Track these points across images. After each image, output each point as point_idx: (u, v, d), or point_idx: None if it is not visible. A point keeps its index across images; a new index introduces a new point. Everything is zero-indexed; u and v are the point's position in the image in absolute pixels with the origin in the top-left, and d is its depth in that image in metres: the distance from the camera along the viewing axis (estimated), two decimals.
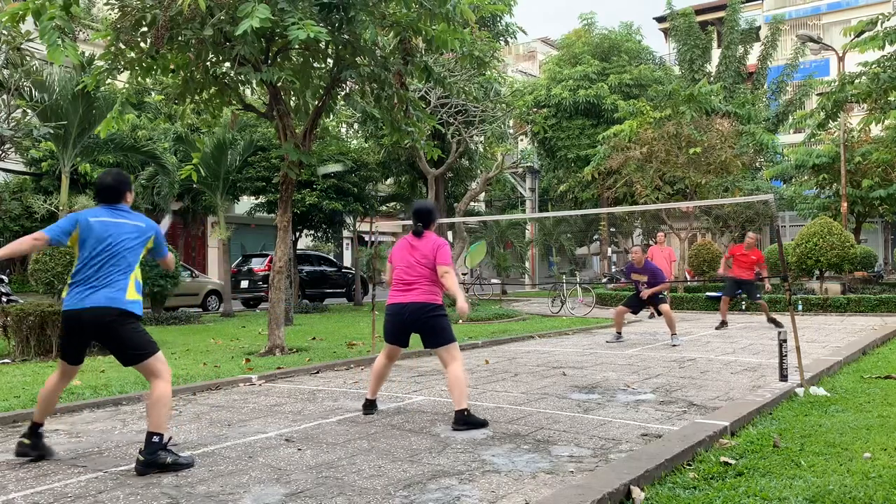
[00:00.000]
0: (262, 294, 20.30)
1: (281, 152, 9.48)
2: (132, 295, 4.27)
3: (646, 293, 10.49)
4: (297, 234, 19.89)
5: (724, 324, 12.85)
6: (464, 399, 5.25)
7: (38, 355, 9.48)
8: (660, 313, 10.69)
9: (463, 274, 27.48)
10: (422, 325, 5.48)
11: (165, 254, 4.70)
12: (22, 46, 10.91)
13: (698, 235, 26.58)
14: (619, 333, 11.07)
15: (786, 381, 6.64)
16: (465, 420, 5.21)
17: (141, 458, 4.10)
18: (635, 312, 11.24)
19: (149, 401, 4.21)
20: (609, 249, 31.16)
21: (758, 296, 12.83)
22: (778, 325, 12.57)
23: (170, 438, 4.25)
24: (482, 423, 5.25)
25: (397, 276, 5.60)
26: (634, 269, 10.74)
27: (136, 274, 4.36)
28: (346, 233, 28.27)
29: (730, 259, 12.97)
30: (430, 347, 5.60)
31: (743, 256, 12.72)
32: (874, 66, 15.92)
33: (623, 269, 11.72)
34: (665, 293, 11.33)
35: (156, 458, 4.09)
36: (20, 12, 7.07)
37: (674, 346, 10.18)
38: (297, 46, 8.30)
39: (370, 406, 5.77)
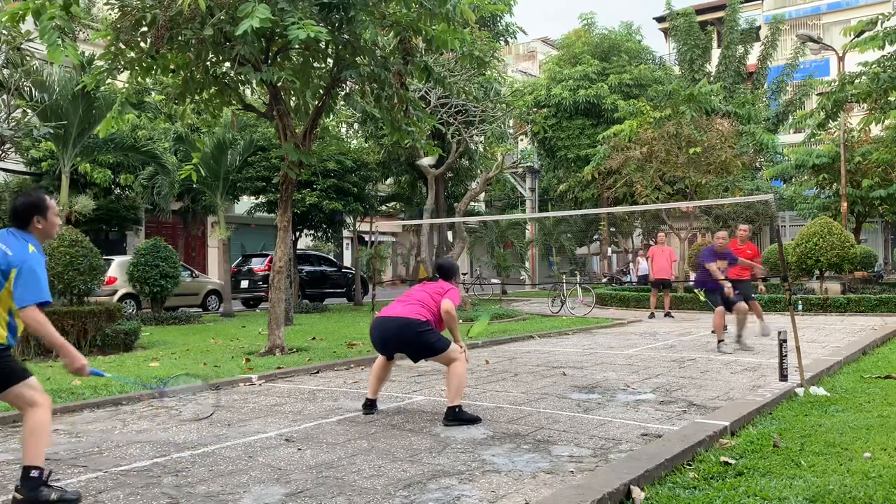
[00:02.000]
0: (262, 294, 20.29)
1: (281, 152, 9.48)
2: None
3: (728, 291, 9.21)
4: (297, 234, 19.88)
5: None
6: (458, 396, 5.28)
7: (37, 355, 9.48)
8: (730, 310, 9.45)
9: (463, 274, 27.46)
10: (408, 342, 5.46)
11: (21, 303, 3.55)
12: (22, 46, 10.91)
13: (698, 235, 26.56)
14: (722, 340, 9.62)
15: (786, 381, 6.64)
16: (457, 416, 5.24)
17: (18, 496, 3.54)
18: (729, 309, 9.59)
19: (24, 428, 3.63)
20: (609, 249, 31.15)
21: (752, 296, 12.13)
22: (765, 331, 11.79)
23: (49, 472, 3.66)
24: (474, 420, 5.28)
25: (398, 299, 5.67)
26: (718, 255, 9.52)
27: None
28: (346, 233, 28.27)
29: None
30: (423, 359, 5.65)
31: (738, 252, 12.28)
32: (874, 66, 15.91)
33: (700, 257, 9.98)
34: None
35: (38, 496, 3.52)
36: (20, 12, 7.07)
37: (726, 353, 9.23)
38: (297, 46, 8.29)
39: (370, 406, 5.79)
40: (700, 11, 31.27)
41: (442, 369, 7.98)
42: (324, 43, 8.34)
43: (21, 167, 20.29)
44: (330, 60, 9.42)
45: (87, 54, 12.59)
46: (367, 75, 9.01)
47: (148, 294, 14.87)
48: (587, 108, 25.70)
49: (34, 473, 3.56)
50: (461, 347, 5.50)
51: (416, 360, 5.69)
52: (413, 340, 5.40)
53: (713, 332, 9.85)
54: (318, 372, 8.11)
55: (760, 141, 22.24)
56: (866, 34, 15.03)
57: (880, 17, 14.92)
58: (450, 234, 23.55)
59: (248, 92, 12.25)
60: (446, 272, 5.83)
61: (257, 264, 21.10)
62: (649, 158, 19.31)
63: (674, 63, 30.76)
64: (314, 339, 11.25)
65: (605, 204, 25.52)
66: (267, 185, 17.80)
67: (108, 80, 9.35)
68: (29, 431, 3.60)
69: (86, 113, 13.16)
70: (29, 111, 12.41)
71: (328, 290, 22.85)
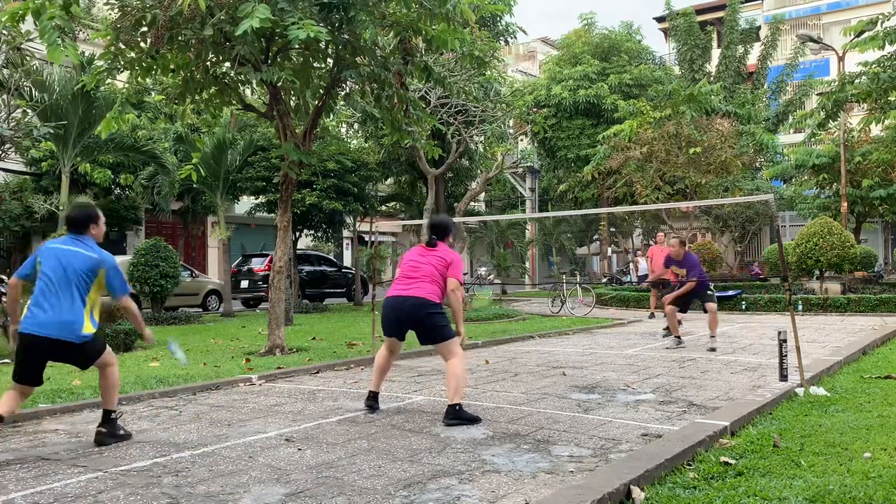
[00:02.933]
0: (262, 294, 20.29)
1: (281, 152, 9.48)
2: (88, 328, 4.64)
3: (666, 299, 9.70)
4: (297, 234, 19.88)
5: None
6: (458, 394, 5.28)
7: None
8: (706, 311, 9.80)
9: (463, 274, 27.49)
10: (418, 322, 5.50)
11: (118, 293, 4.80)
12: (22, 46, 10.91)
13: (698, 235, 26.58)
14: (679, 338, 10.04)
15: (786, 381, 6.64)
16: (457, 414, 5.24)
17: (102, 429, 4.74)
18: (683, 311, 10.09)
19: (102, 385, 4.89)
20: (609, 249, 31.15)
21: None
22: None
23: (121, 414, 4.72)
24: (474, 419, 5.28)
25: (401, 274, 5.65)
26: (674, 263, 9.93)
27: (92, 303, 4.70)
28: (346, 233, 28.26)
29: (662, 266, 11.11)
30: (428, 344, 5.63)
31: (662, 256, 11.94)
32: (874, 66, 15.91)
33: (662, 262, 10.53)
34: (712, 290, 10.10)
35: (113, 429, 4.79)
36: (20, 12, 7.06)
37: (710, 349, 9.48)
38: (297, 46, 8.29)
39: (373, 399, 5.79)
40: (700, 11, 31.28)
41: (442, 369, 7.98)
42: (324, 43, 8.34)
43: (21, 167, 20.29)
44: (330, 60, 9.42)
45: (87, 54, 12.60)
46: (367, 75, 9.01)
47: (148, 294, 14.86)
48: (587, 108, 25.71)
49: (113, 416, 4.85)
50: (461, 333, 5.56)
51: (423, 342, 5.66)
52: (424, 320, 5.45)
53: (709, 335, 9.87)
54: (318, 372, 8.11)
55: (760, 141, 22.27)
56: (866, 34, 15.03)
57: (880, 17, 14.92)
58: None
59: (248, 92, 12.26)
60: (441, 230, 5.73)
61: (257, 264, 21.10)
62: (649, 158, 19.32)
63: (674, 63, 30.78)
64: (314, 339, 11.25)
65: (605, 204, 25.53)
66: (267, 185, 17.80)
67: (108, 80, 9.35)
68: (109, 385, 4.84)
69: (86, 113, 13.17)
70: (29, 111, 12.41)
71: (328, 290, 22.85)
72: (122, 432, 4.87)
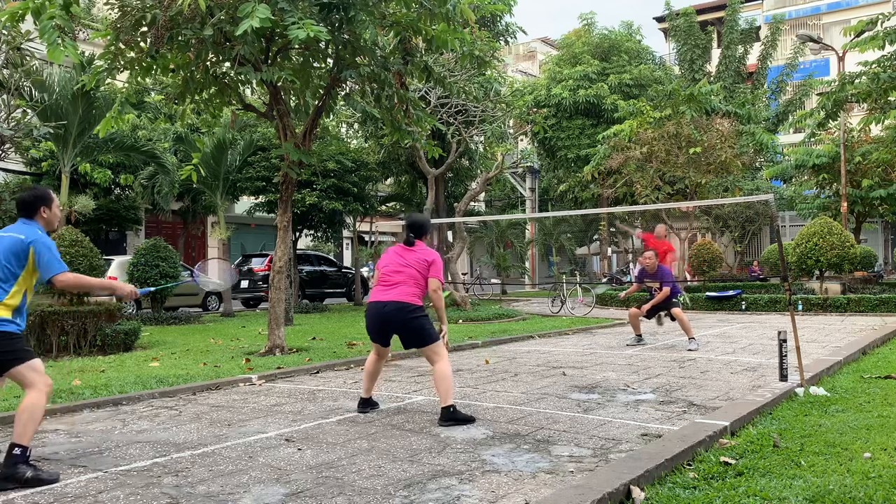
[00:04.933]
0: (262, 294, 20.31)
1: (281, 152, 9.48)
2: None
3: (644, 308, 10.06)
4: (297, 234, 19.88)
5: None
6: (449, 396, 5.29)
7: (38, 355, 9.46)
8: (673, 318, 10.08)
9: (463, 274, 27.47)
10: (401, 327, 5.48)
11: (53, 272, 4.14)
12: (22, 46, 10.91)
13: (698, 235, 26.58)
14: (640, 336, 10.58)
15: (786, 381, 6.64)
16: (451, 416, 5.24)
17: (2, 470, 3.87)
18: (648, 317, 10.49)
19: (19, 407, 4.01)
20: (609, 249, 31.16)
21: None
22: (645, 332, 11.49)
23: (30, 451, 3.99)
24: (468, 420, 5.29)
25: (382, 277, 5.62)
26: (647, 276, 10.23)
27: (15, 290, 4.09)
28: (346, 233, 28.27)
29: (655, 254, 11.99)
30: (413, 347, 5.62)
31: (657, 245, 11.99)
32: (874, 66, 15.92)
33: (636, 274, 10.91)
34: (679, 297, 10.55)
35: (15, 472, 3.86)
36: (20, 12, 7.06)
37: (690, 349, 9.61)
38: (297, 46, 8.30)
39: (365, 404, 5.81)
40: (700, 11, 31.30)
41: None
42: (324, 43, 8.35)
43: (21, 167, 20.29)
44: (330, 60, 9.42)
45: (87, 54, 12.59)
46: (367, 75, 9.01)
47: (148, 294, 14.87)
48: (587, 108, 25.71)
49: (17, 451, 3.91)
50: (443, 333, 5.59)
51: (406, 347, 5.65)
52: (407, 325, 5.44)
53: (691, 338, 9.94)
54: (318, 372, 8.11)
55: (760, 141, 22.27)
56: (866, 34, 15.03)
57: (880, 17, 14.92)
58: (450, 234, 23.56)
59: (248, 92, 12.27)
60: (418, 229, 5.69)
61: (257, 264, 21.12)
62: (649, 158, 19.33)
63: (674, 63, 30.79)
64: (314, 339, 11.25)
65: (605, 204, 25.53)
66: (267, 185, 17.80)
67: (108, 80, 9.34)
68: (23, 410, 3.98)
69: (86, 113, 13.17)
70: (29, 111, 12.41)
71: (328, 290, 22.86)
72: (27, 475, 3.87)
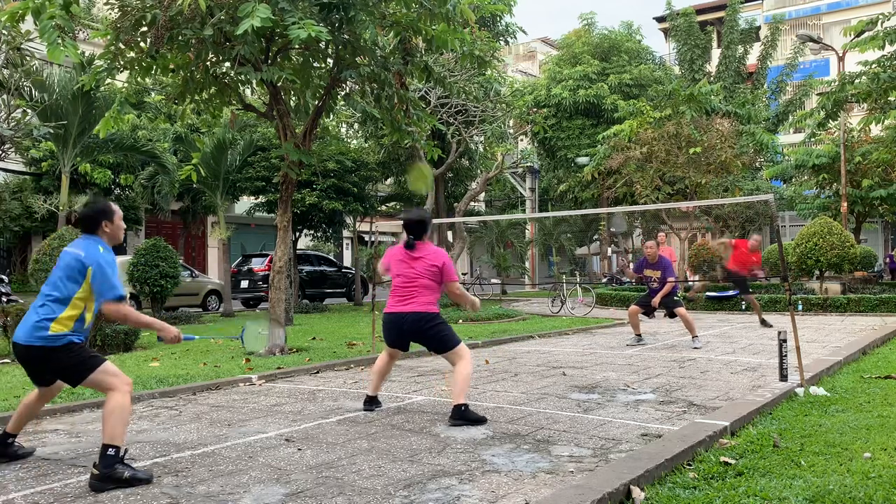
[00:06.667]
0: (262, 294, 20.30)
1: (281, 152, 9.48)
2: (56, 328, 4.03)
3: (655, 301, 9.92)
4: (297, 234, 19.89)
5: (764, 322, 12.65)
6: (463, 395, 5.27)
7: None
8: (673, 316, 10.13)
9: (463, 274, 27.46)
10: (422, 336, 5.51)
11: (101, 296, 4.08)
12: (22, 46, 10.91)
13: (698, 235, 26.58)
14: (640, 335, 10.54)
15: (786, 381, 6.64)
16: (462, 415, 5.23)
17: (95, 471, 3.86)
18: (648, 315, 10.46)
19: (104, 410, 4.02)
20: (609, 249, 31.17)
21: (749, 290, 12.57)
22: (767, 324, 12.56)
23: (125, 451, 4.01)
24: (480, 420, 5.27)
25: (396, 286, 5.57)
26: (647, 265, 10.09)
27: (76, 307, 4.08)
28: (346, 233, 28.27)
29: (730, 249, 12.75)
30: (437, 353, 5.66)
31: (743, 255, 12.60)
32: (874, 65, 15.92)
33: (634, 264, 10.77)
34: (678, 295, 10.55)
35: (112, 472, 3.86)
36: (20, 12, 7.06)
37: (695, 348, 9.65)
38: (297, 46, 8.29)
39: (371, 402, 5.80)
40: (700, 11, 31.31)
41: (441, 369, 7.98)
42: (324, 43, 8.34)
43: (21, 167, 20.30)
44: (330, 60, 9.42)
45: (87, 54, 12.59)
46: (367, 75, 9.01)
47: (148, 294, 14.87)
48: (587, 108, 25.71)
49: (111, 451, 3.91)
50: (475, 304, 5.72)
51: (430, 349, 5.67)
52: (426, 333, 5.46)
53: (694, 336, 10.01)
54: (318, 372, 8.10)
55: (760, 141, 22.27)
56: (866, 34, 15.03)
57: (880, 17, 14.93)
58: (450, 234, 23.55)
59: (248, 92, 12.26)
60: (418, 229, 5.52)
61: (257, 264, 21.11)
62: (649, 158, 19.33)
63: (674, 63, 30.79)
64: (314, 339, 11.25)
65: (605, 204, 25.53)
66: (267, 185, 17.81)
67: (108, 80, 9.35)
68: (108, 412, 3.98)
69: (86, 113, 13.18)
70: (29, 111, 12.42)
71: (328, 290, 22.86)
72: (125, 475, 3.88)
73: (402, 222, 5.74)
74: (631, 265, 11.30)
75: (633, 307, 10.49)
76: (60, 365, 4.07)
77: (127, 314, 4.19)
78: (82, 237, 4.23)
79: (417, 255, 5.51)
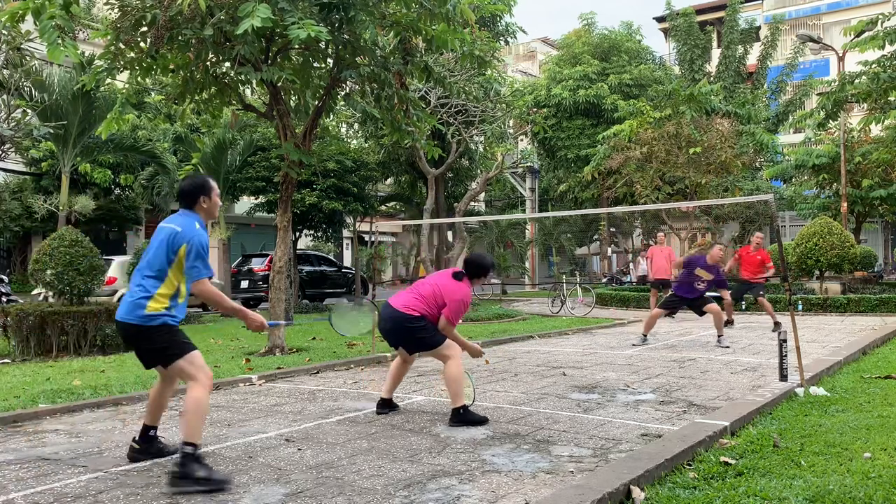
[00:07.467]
0: (262, 294, 20.29)
1: (281, 152, 9.48)
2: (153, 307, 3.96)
3: (725, 294, 9.90)
4: (297, 234, 19.89)
5: (730, 322, 12.70)
6: (460, 396, 5.24)
7: (38, 355, 9.48)
8: (703, 313, 10.05)
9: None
10: (400, 336, 5.41)
11: (195, 276, 3.99)
12: (22, 46, 10.92)
13: (698, 235, 26.57)
14: (646, 336, 10.42)
15: (786, 381, 6.64)
16: (461, 417, 5.21)
17: (175, 469, 3.81)
18: (673, 314, 10.30)
19: (183, 406, 3.97)
20: (609, 249, 31.16)
21: (761, 293, 12.61)
22: (777, 325, 12.57)
23: (200, 449, 3.92)
24: (480, 421, 5.24)
25: (406, 290, 5.59)
26: (705, 266, 9.83)
27: (169, 282, 4.00)
28: (346, 233, 28.27)
29: (736, 263, 12.84)
30: (417, 352, 5.58)
31: (749, 257, 12.62)
32: (874, 65, 15.91)
33: (686, 258, 10.52)
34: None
35: (189, 471, 3.77)
36: (20, 12, 7.07)
37: (723, 347, 9.61)
38: (297, 46, 8.30)
39: (384, 405, 5.70)
40: (700, 11, 31.31)
41: (441, 368, 7.98)
42: (324, 43, 8.34)
43: (21, 167, 20.31)
44: (330, 60, 9.42)
45: (87, 54, 12.60)
46: (367, 75, 9.01)
47: None
48: (587, 108, 25.71)
49: (188, 449, 3.81)
50: (478, 348, 5.64)
51: (410, 353, 5.59)
52: (404, 335, 5.37)
53: (644, 335, 10.30)
54: (318, 372, 8.11)
55: (760, 141, 22.26)
56: (866, 34, 15.03)
57: (880, 17, 14.92)
58: (450, 234, 23.56)
59: (248, 92, 12.26)
60: (475, 270, 5.48)
61: (257, 264, 21.10)
62: (649, 158, 19.32)
63: (674, 63, 30.79)
64: (314, 339, 11.25)
65: (605, 204, 25.52)
66: (267, 185, 17.80)
67: (108, 80, 9.35)
68: (187, 408, 3.90)
69: (86, 113, 13.18)
70: (29, 111, 12.42)
71: (328, 290, 22.85)
72: (200, 474, 3.77)
73: (465, 260, 5.70)
74: (678, 258, 11.22)
75: (658, 310, 10.35)
76: (153, 345, 4.00)
77: (217, 297, 4.13)
78: (180, 212, 4.15)
79: (452, 280, 5.41)
